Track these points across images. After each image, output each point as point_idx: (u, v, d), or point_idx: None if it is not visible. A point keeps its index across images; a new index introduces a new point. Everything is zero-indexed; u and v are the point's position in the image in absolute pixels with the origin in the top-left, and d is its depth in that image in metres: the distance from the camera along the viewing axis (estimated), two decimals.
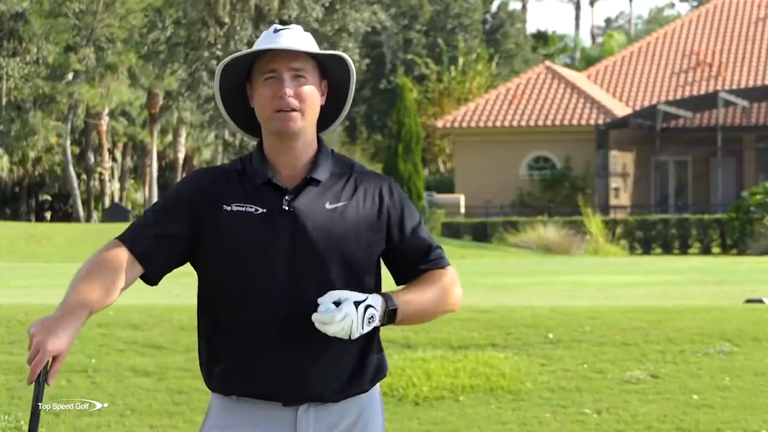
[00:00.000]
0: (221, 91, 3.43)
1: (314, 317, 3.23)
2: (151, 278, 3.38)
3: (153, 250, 3.34)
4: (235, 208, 3.35)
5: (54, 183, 62.96)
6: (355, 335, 3.24)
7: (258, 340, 3.32)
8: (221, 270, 3.35)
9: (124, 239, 3.34)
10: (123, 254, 3.31)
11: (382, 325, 3.33)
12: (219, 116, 47.34)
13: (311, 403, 3.35)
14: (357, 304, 3.24)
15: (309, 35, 3.43)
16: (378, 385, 3.48)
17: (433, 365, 9.02)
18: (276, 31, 3.39)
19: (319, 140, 3.44)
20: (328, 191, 3.37)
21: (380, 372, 3.45)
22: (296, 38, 3.37)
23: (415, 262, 3.44)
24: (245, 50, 3.36)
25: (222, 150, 56.94)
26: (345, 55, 3.39)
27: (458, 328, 10.00)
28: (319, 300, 3.24)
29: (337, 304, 3.23)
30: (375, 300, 3.28)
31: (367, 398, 3.43)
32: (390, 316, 3.31)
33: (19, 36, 53.58)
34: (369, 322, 3.25)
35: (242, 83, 3.42)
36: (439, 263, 3.46)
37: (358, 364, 3.38)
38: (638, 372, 9.00)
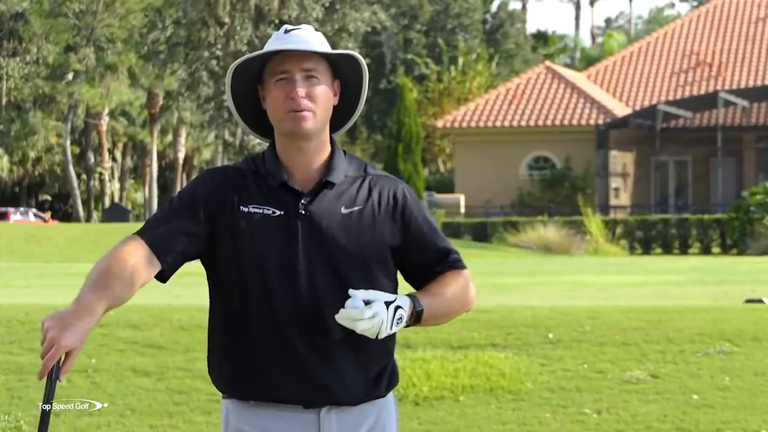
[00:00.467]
0: (234, 93, 3.38)
1: (342, 313, 3.19)
2: (165, 275, 3.31)
3: (171, 248, 3.27)
4: (252, 210, 3.31)
5: (54, 183, 63.02)
6: (383, 335, 3.21)
7: (277, 344, 3.29)
8: (237, 272, 3.31)
9: (142, 234, 3.28)
10: (141, 249, 3.24)
11: (407, 326, 3.31)
12: (219, 116, 47.38)
13: (332, 406, 3.33)
14: (387, 304, 3.21)
15: (320, 35, 3.38)
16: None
17: (433, 365, 9.02)
18: (287, 31, 3.34)
19: (333, 142, 3.40)
20: (344, 195, 3.34)
21: (394, 376, 3.44)
22: (308, 38, 3.32)
23: (432, 265, 3.41)
24: (257, 52, 3.31)
25: (222, 150, 56.95)
26: (357, 55, 3.35)
27: (458, 328, 9.99)
28: (350, 292, 3.20)
29: (366, 302, 3.20)
30: (404, 301, 3.26)
31: (384, 402, 3.42)
32: (417, 317, 3.29)
33: (19, 36, 53.61)
34: (397, 323, 3.24)
35: (253, 85, 3.37)
36: (456, 265, 3.43)
37: (377, 369, 3.37)
38: (638, 372, 9.00)
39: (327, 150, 3.38)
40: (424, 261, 3.41)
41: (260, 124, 3.43)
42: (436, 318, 3.38)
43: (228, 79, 3.35)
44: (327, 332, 3.27)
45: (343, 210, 3.32)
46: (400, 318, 3.24)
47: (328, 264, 3.29)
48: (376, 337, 3.21)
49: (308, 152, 3.34)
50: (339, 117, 3.43)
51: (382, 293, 3.24)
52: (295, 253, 3.29)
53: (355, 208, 3.33)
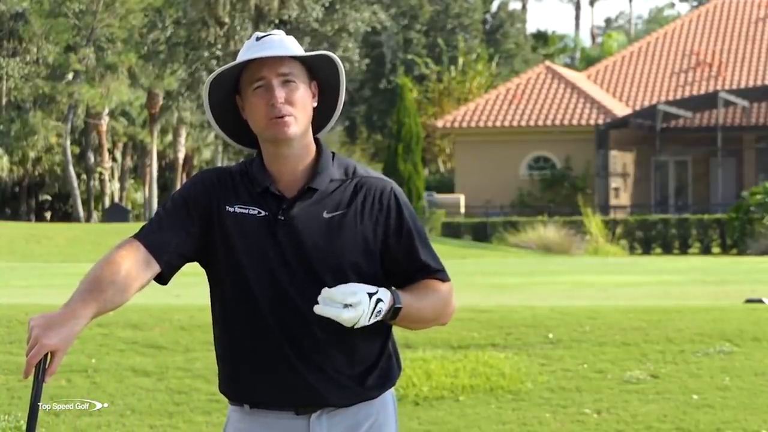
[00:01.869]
0: (213, 106, 3.37)
1: (326, 292, 3.17)
2: (165, 275, 3.32)
3: (167, 247, 3.29)
4: (238, 210, 3.33)
5: (54, 183, 62.95)
6: (359, 325, 3.20)
7: (262, 348, 3.31)
8: (226, 273, 3.33)
9: (137, 237, 3.30)
10: (137, 252, 3.26)
11: (383, 320, 3.29)
12: None
13: (323, 410, 3.33)
14: (370, 295, 3.20)
15: (292, 38, 3.38)
16: (392, 390, 3.46)
17: (433, 365, 9.02)
18: (258, 39, 3.34)
19: (319, 144, 3.40)
20: (327, 199, 3.33)
21: (389, 376, 3.43)
22: (280, 43, 3.32)
23: (415, 271, 3.39)
24: (230, 63, 3.31)
25: (222, 150, 56.94)
26: (331, 54, 3.35)
27: (458, 328, 10.00)
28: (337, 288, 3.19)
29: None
30: (384, 294, 3.24)
31: (380, 402, 3.41)
32: (393, 313, 3.27)
33: (19, 36, 53.56)
34: (375, 315, 3.22)
35: (232, 96, 3.37)
36: (441, 276, 3.41)
37: (365, 370, 3.36)
38: (638, 372, 9.00)
39: (311, 153, 3.37)
40: (406, 269, 3.38)
41: (243, 134, 3.42)
42: (410, 320, 3.34)
43: (205, 93, 3.35)
44: (311, 336, 3.28)
45: (325, 215, 3.31)
46: (379, 311, 3.22)
47: (308, 269, 3.29)
48: (353, 326, 3.19)
49: (292, 157, 3.33)
50: (320, 118, 3.41)
51: (366, 285, 3.22)
52: (276, 256, 3.29)
53: (338, 213, 3.32)
